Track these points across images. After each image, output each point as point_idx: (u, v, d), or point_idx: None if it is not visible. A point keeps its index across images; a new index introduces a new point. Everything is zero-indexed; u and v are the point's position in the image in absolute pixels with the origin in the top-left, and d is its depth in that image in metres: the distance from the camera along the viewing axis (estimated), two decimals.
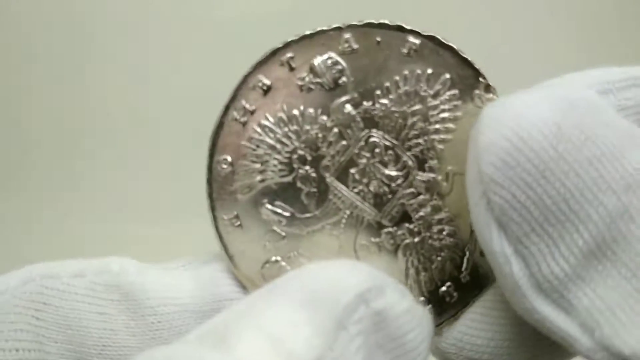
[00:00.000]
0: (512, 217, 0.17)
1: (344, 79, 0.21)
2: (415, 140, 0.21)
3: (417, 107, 0.21)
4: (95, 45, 0.49)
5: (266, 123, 0.21)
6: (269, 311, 0.16)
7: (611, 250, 0.18)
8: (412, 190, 0.21)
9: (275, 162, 0.21)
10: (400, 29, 0.20)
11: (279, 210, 0.21)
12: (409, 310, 0.18)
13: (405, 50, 0.21)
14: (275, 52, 0.20)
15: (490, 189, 0.17)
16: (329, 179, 0.21)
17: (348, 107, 0.21)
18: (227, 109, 0.21)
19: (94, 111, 0.49)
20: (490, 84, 0.21)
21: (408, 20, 0.21)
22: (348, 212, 0.21)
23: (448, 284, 0.21)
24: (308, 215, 0.21)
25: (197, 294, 0.21)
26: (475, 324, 0.21)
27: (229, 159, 0.21)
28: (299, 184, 0.21)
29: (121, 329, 0.21)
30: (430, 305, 0.21)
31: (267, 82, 0.20)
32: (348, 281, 0.17)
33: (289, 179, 0.21)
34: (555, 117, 0.17)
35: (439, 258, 0.21)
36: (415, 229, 0.21)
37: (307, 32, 0.20)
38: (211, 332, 0.16)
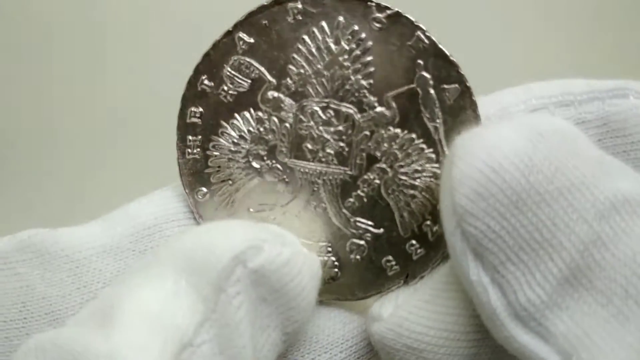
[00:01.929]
0: (487, 247, 0.17)
1: (255, 72, 0.22)
2: (342, 89, 0.21)
3: (328, 59, 0.21)
4: (109, 43, 0.51)
5: (215, 144, 0.22)
6: (150, 284, 0.18)
7: (586, 278, 0.18)
8: (364, 133, 0.21)
9: (238, 170, 0.22)
10: (277, 2, 0.21)
11: (264, 208, 0.22)
12: (287, 262, 0.18)
13: (291, 18, 0.21)
14: (191, 82, 0.22)
15: (465, 220, 0.17)
16: (289, 161, 0.22)
17: (270, 94, 0.22)
18: (179, 148, 0.22)
19: (92, 110, 0.52)
20: (380, 3, 0.21)
21: None
22: (320, 181, 0.22)
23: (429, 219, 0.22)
24: (289, 200, 0.22)
25: (111, 231, 0.22)
26: (417, 310, 0.20)
27: (204, 189, 0.23)
28: (268, 178, 0.22)
29: (38, 283, 0.22)
30: (416, 242, 0.22)
31: (198, 110, 0.22)
32: (223, 245, 0.18)
33: (258, 178, 0.22)
34: (526, 148, 0.17)
35: (419, 182, 0.21)
36: (384, 165, 0.21)
37: (205, 51, 0.22)
38: (98, 310, 0.17)
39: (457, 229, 0.18)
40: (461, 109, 0.21)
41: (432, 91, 0.21)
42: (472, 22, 0.49)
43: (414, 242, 0.22)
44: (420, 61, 0.21)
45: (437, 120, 0.21)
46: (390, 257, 0.22)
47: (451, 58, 0.21)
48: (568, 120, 0.20)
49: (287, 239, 0.20)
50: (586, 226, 0.17)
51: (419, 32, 0.21)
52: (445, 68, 0.21)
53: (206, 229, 0.19)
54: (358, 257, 0.22)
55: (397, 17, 0.21)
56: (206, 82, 0.22)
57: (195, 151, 0.22)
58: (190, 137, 0.22)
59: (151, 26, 0.51)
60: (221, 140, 0.22)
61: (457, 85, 0.21)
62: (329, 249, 0.22)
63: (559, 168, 0.17)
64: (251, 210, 0.22)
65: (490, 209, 0.17)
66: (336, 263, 0.22)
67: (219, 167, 0.22)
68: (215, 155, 0.22)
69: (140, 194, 0.23)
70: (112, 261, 0.22)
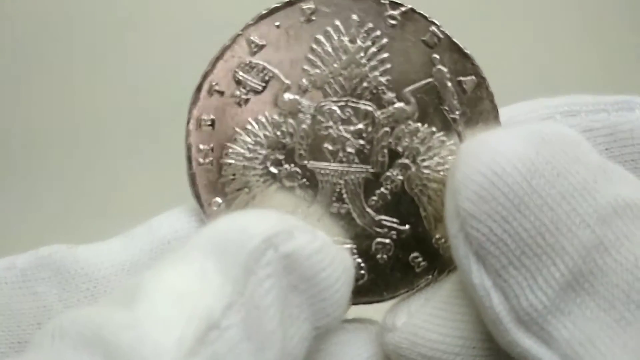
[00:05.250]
0: (490, 251, 0.18)
1: (269, 74, 0.21)
2: (360, 87, 0.21)
3: (344, 57, 0.21)
4: (96, 44, 0.51)
5: (230, 151, 0.21)
6: (179, 266, 0.17)
7: (588, 283, 0.18)
8: (385, 129, 0.21)
9: (255, 177, 0.21)
10: (289, 3, 0.21)
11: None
12: (320, 250, 0.18)
13: (303, 18, 0.21)
14: (200, 87, 0.21)
15: (468, 222, 0.18)
16: (309, 164, 0.21)
17: (287, 96, 0.21)
18: (189, 159, 0.21)
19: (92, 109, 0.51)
20: (393, 0, 0.21)
21: None
22: (342, 182, 0.22)
23: None
24: (310, 204, 0.22)
25: (131, 248, 0.21)
26: (431, 317, 0.20)
27: (218, 200, 0.21)
28: (287, 183, 0.22)
29: (54, 303, 0.21)
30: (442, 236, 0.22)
31: (209, 117, 0.21)
32: (254, 228, 0.18)
33: (276, 184, 0.22)
34: (529, 153, 0.18)
35: (442, 175, 0.21)
36: (407, 160, 0.21)
37: (215, 55, 0.21)
38: (124, 292, 0.17)
39: (460, 232, 0.18)
40: (479, 100, 0.21)
41: (449, 84, 0.21)
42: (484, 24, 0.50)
43: (439, 236, 0.22)
44: (436, 55, 0.21)
45: (456, 112, 0.21)
46: (417, 254, 0.22)
47: (466, 51, 0.21)
48: (575, 128, 0.20)
49: (318, 232, 0.19)
50: (588, 231, 0.18)
51: (433, 28, 0.21)
52: (461, 61, 0.21)
53: (238, 214, 0.19)
54: (384, 256, 0.22)
55: (411, 14, 0.21)
56: (217, 87, 0.21)
57: (207, 160, 0.21)
58: (201, 146, 0.21)
59: (158, 27, 0.50)
60: (236, 147, 0.21)
61: (473, 77, 0.21)
62: (354, 250, 0.22)
63: (561, 173, 0.18)
64: None
65: (492, 212, 0.18)
66: (362, 265, 0.22)
67: (233, 175, 0.21)
68: (230, 164, 0.21)
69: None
70: (130, 279, 0.21)
